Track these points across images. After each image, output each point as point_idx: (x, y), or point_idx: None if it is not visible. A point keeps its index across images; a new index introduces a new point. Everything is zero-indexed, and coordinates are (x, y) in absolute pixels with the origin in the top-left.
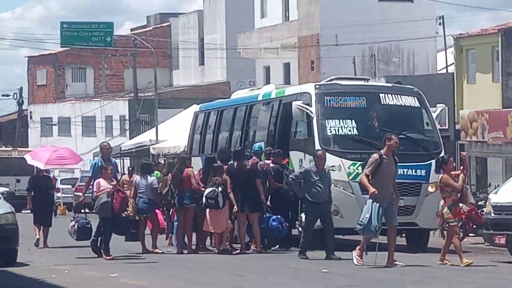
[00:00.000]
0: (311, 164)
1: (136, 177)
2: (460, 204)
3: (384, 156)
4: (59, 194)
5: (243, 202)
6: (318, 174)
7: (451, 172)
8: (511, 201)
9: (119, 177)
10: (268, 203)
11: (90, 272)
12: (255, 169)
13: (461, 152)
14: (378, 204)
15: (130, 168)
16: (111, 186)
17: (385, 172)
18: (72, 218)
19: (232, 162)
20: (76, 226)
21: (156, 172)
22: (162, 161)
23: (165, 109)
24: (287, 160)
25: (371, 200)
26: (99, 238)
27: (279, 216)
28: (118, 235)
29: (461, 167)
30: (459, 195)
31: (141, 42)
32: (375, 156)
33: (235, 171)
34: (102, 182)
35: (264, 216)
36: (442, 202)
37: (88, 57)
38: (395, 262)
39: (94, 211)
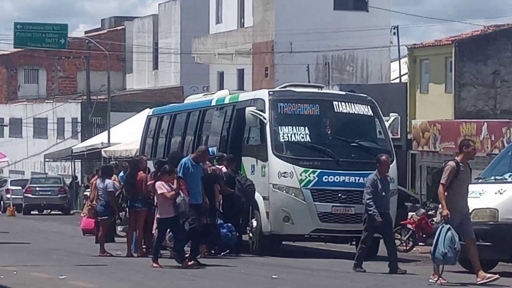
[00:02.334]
0: (375, 172)
1: (97, 181)
2: (410, 214)
3: (460, 164)
4: (8, 195)
5: None
6: (381, 182)
7: None
8: None
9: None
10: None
11: (39, 274)
12: (215, 174)
13: None
14: (448, 226)
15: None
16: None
17: (462, 182)
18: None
19: None
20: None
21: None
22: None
23: (118, 112)
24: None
25: (440, 225)
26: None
27: (229, 224)
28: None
29: None
30: None
31: (95, 45)
32: (451, 163)
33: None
34: (165, 184)
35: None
36: None
37: (41, 59)
38: (485, 276)
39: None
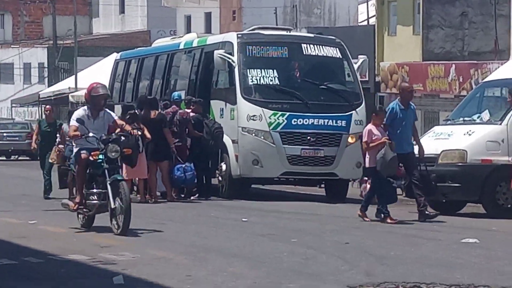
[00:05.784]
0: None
1: (64, 125)
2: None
3: None
4: None
5: (151, 151)
6: None
7: None
8: (431, 153)
9: None
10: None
11: (9, 219)
12: (161, 118)
13: None
14: None
15: None
16: (386, 137)
17: None
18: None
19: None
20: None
21: None
22: None
23: (85, 57)
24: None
25: None
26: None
27: (184, 166)
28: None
29: None
30: None
31: None
32: None
33: (141, 120)
34: (374, 130)
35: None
36: None
37: (7, 3)
38: None
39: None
